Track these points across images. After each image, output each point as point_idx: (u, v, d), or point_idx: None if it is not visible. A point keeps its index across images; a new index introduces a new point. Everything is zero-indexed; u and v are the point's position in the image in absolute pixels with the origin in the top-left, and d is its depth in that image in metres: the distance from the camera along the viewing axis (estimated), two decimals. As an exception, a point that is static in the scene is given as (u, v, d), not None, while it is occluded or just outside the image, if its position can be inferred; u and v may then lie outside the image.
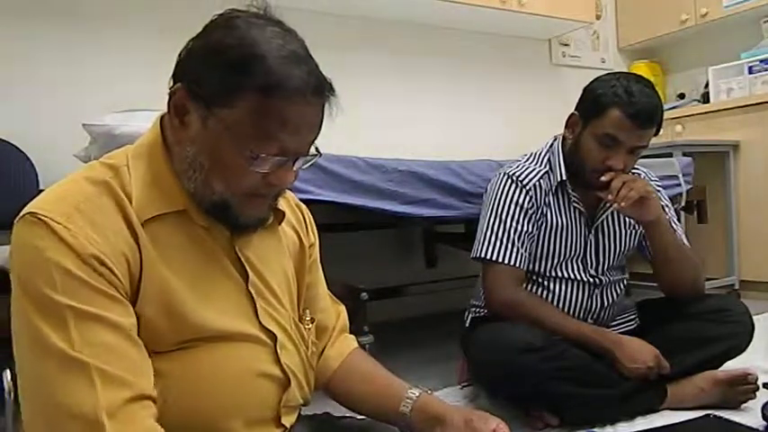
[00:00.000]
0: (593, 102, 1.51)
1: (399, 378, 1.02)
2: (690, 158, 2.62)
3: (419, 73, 3.19)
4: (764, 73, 3.11)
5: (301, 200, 1.57)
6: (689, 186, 2.54)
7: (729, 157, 3.08)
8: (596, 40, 3.87)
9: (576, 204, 1.61)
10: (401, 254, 2.96)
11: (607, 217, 1.63)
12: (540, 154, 1.66)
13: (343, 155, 1.77)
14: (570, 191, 1.60)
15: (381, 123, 2.98)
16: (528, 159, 1.66)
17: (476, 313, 1.71)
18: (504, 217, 1.57)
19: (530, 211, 1.57)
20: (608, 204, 1.57)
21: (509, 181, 1.60)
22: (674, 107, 3.48)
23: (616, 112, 1.45)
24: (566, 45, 3.73)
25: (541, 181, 1.59)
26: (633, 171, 1.67)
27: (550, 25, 3.39)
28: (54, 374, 0.67)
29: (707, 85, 3.40)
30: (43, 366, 0.67)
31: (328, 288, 1.10)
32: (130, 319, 0.73)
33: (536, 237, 1.59)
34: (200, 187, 0.77)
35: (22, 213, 0.72)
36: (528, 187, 1.58)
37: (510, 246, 1.55)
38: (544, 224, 1.59)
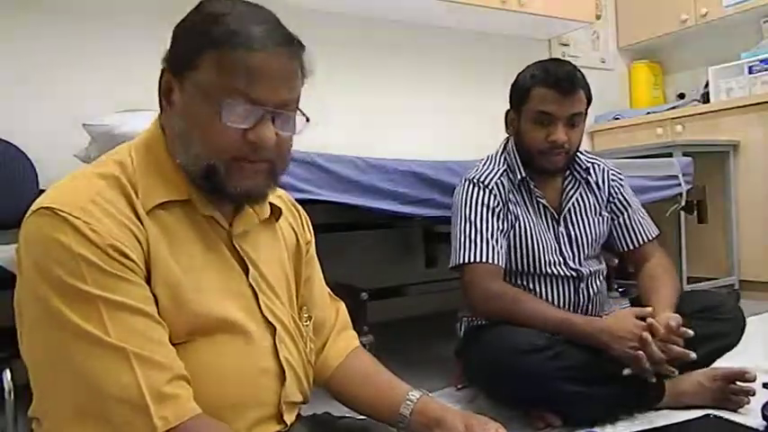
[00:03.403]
0: (517, 91, 1.62)
1: (399, 378, 1.02)
2: (690, 158, 2.62)
3: (419, 73, 3.19)
4: (764, 73, 3.11)
5: (301, 200, 1.58)
6: (689, 186, 2.54)
7: (729, 157, 3.08)
8: (596, 40, 3.87)
9: (539, 199, 1.64)
10: (401, 254, 2.96)
11: (572, 207, 1.67)
12: (496, 156, 1.70)
13: (343, 155, 1.77)
14: (533, 187, 1.64)
15: (381, 123, 2.98)
16: (485, 163, 1.70)
17: (468, 323, 1.70)
18: (473, 219, 1.59)
19: (496, 209, 1.60)
20: (569, 194, 1.66)
21: (470, 185, 1.63)
22: (673, 107, 3.48)
23: (538, 89, 1.55)
24: (566, 45, 3.72)
25: (502, 179, 1.63)
26: (589, 159, 1.71)
27: (550, 25, 3.39)
28: (93, 363, 0.69)
29: (707, 85, 3.39)
30: (80, 357, 0.69)
31: (328, 288, 1.10)
32: (153, 304, 0.75)
33: (510, 237, 1.61)
34: (188, 158, 0.79)
35: (35, 207, 0.73)
36: (490, 186, 1.61)
37: (484, 245, 1.56)
38: (516, 224, 1.61)
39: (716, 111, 3.18)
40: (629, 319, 1.40)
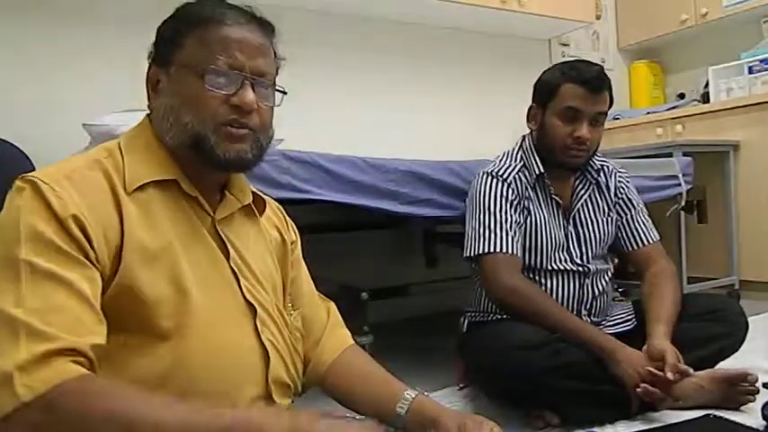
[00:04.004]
0: (545, 87, 1.64)
1: (398, 378, 1.02)
2: (690, 158, 2.62)
3: (419, 73, 3.19)
4: (764, 73, 3.11)
5: (301, 200, 1.58)
6: (689, 186, 2.54)
7: (729, 157, 3.08)
8: (596, 41, 3.87)
9: (554, 197, 1.66)
10: (401, 254, 2.96)
11: (581, 207, 1.70)
12: (512, 152, 1.73)
13: (344, 155, 1.77)
14: (548, 183, 1.65)
15: (381, 123, 2.98)
16: (502, 159, 1.72)
17: (471, 318, 1.72)
18: (492, 209, 1.61)
19: (514, 202, 1.62)
20: (580, 194, 1.69)
21: (489, 177, 1.65)
22: (674, 107, 3.48)
23: (568, 86, 1.57)
24: (566, 45, 3.73)
25: (520, 174, 1.66)
26: (600, 161, 1.74)
27: (550, 25, 3.39)
28: None
29: (707, 85, 3.39)
30: None
31: (328, 287, 1.10)
32: (92, 284, 0.73)
33: (523, 230, 1.63)
34: (175, 130, 0.84)
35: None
36: (508, 180, 1.64)
37: (503, 235, 1.58)
38: (529, 218, 1.63)
39: (716, 111, 3.18)
40: (641, 355, 1.42)
